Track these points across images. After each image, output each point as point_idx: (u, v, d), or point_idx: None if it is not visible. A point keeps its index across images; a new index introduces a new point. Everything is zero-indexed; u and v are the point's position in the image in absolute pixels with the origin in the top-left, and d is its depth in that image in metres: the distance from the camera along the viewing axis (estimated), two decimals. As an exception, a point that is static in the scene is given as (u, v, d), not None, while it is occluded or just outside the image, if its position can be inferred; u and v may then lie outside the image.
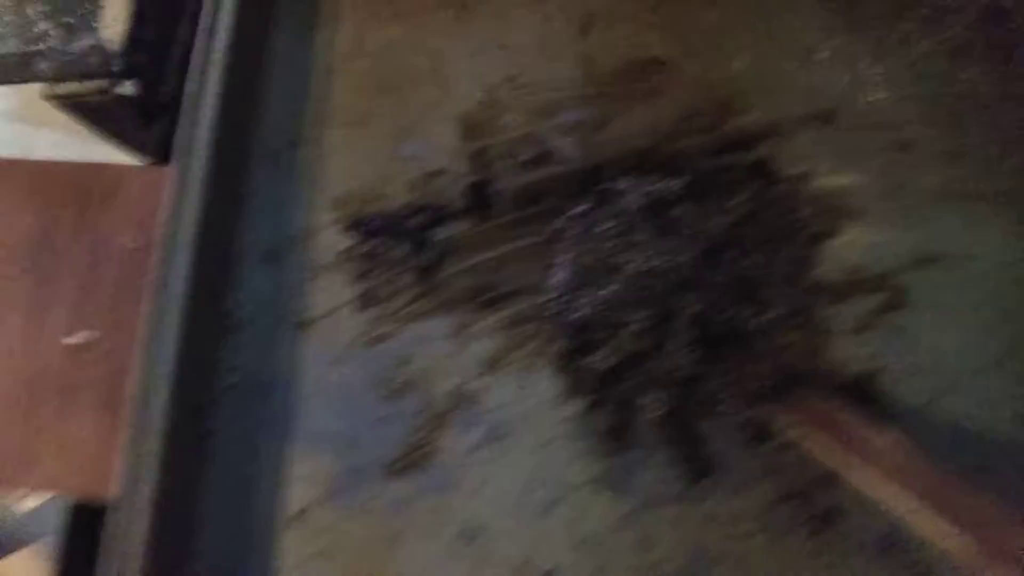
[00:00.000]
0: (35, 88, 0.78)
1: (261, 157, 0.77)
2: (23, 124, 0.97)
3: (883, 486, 0.60)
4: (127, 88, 0.79)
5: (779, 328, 0.68)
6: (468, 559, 0.63)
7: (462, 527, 0.64)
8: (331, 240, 0.74)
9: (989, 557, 0.53)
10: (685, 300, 0.67)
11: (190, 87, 0.74)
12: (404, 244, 0.73)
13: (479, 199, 0.75)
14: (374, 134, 0.79)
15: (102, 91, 0.79)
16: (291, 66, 0.81)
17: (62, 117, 0.80)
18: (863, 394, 0.66)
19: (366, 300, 0.71)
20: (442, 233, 0.74)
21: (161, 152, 0.79)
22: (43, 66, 0.78)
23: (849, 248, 0.71)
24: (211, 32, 0.76)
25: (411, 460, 0.66)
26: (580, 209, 0.74)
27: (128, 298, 0.72)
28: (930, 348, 0.67)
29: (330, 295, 0.72)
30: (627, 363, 0.68)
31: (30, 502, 0.81)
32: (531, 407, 0.68)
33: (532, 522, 0.64)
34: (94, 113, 0.81)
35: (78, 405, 0.70)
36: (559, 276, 0.71)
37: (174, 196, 0.69)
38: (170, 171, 0.71)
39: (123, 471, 0.61)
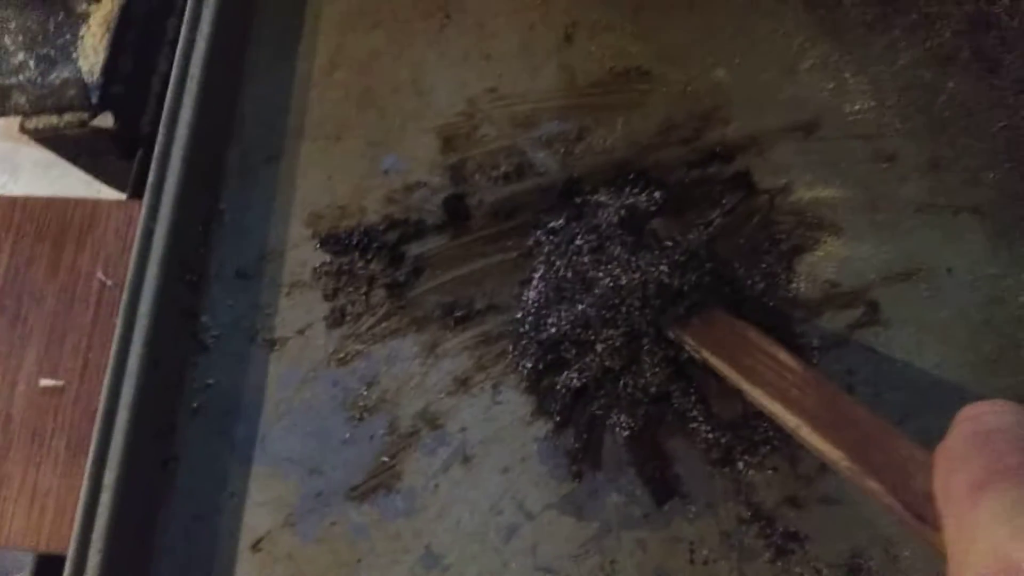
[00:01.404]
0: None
1: (237, 173, 0.77)
2: (6, 143, 0.98)
3: (772, 402, 0.59)
4: (105, 120, 0.79)
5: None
6: (429, 586, 0.63)
7: (424, 552, 0.64)
8: (306, 256, 0.74)
9: (867, 469, 0.52)
10: (657, 317, 0.66)
11: (166, 112, 0.74)
12: (378, 259, 0.73)
13: (456, 213, 0.75)
14: (352, 147, 0.78)
15: (80, 124, 0.79)
16: (269, 80, 0.81)
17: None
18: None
19: (337, 318, 0.71)
20: (417, 248, 0.74)
21: (141, 186, 0.79)
22: (19, 99, 0.78)
23: (825, 262, 0.70)
24: (187, 55, 0.75)
25: (375, 484, 0.66)
26: (557, 223, 0.73)
27: (103, 338, 0.73)
28: (905, 364, 0.66)
29: (302, 313, 0.72)
30: (597, 381, 0.67)
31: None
32: (499, 428, 0.67)
33: (494, 547, 0.64)
34: (72, 146, 0.81)
35: (47, 452, 0.70)
36: (533, 292, 0.71)
37: (145, 220, 0.69)
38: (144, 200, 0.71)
39: (82, 498, 0.62)
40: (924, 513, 0.48)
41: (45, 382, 0.72)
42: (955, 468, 0.43)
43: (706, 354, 0.63)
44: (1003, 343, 0.67)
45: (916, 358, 0.67)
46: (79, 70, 0.81)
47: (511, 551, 0.64)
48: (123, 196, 0.82)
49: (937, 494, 0.45)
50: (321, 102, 0.80)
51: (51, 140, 0.82)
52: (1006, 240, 0.70)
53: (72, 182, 0.88)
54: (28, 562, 0.71)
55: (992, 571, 0.35)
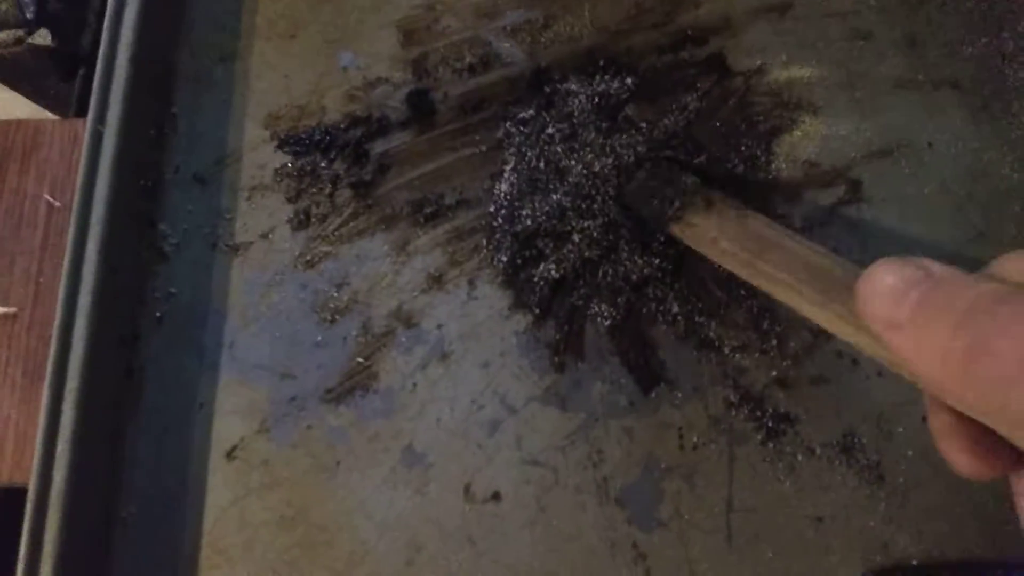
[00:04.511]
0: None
1: (189, 75, 0.74)
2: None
3: (723, 255, 0.58)
4: (43, 38, 0.76)
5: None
6: (412, 484, 0.61)
7: (404, 452, 0.62)
8: (265, 158, 0.71)
9: (821, 297, 0.50)
10: (635, 203, 0.64)
11: (109, 12, 0.70)
12: (341, 159, 0.70)
13: (421, 108, 0.72)
14: (308, 45, 0.75)
15: (16, 42, 0.75)
16: (217, -22, 0.78)
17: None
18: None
19: (301, 220, 0.68)
20: (382, 145, 0.71)
21: (84, 106, 0.76)
22: (-50, 18, 0.74)
23: (805, 142, 0.68)
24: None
25: (351, 385, 0.64)
26: (527, 113, 0.70)
27: (54, 262, 0.70)
28: (888, 240, 0.65)
29: (264, 216, 0.69)
30: (576, 272, 0.65)
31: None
32: (476, 323, 0.65)
33: (478, 442, 0.62)
34: (9, 67, 0.77)
35: (3, 381, 0.67)
36: (504, 185, 0.68)
37: (92, 122, 0.66)
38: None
39: (43, 411, 0.59)
40: None
41: (-1, 309, 0.69)
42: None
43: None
44: (987, 216, 0.66)
45: (901, 234, 0.65)
46: (11, -15, 0.77)
47: (495, 445, 0.62)
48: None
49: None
50: (274, 0, 0.77)
51: (-12, 60, 0.78)
52: (986, 113, 0.69)
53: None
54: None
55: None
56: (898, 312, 0.37)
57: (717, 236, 0.59)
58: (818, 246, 0.54)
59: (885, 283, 0.39)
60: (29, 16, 0.76)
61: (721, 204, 0.60)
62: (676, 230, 0.61)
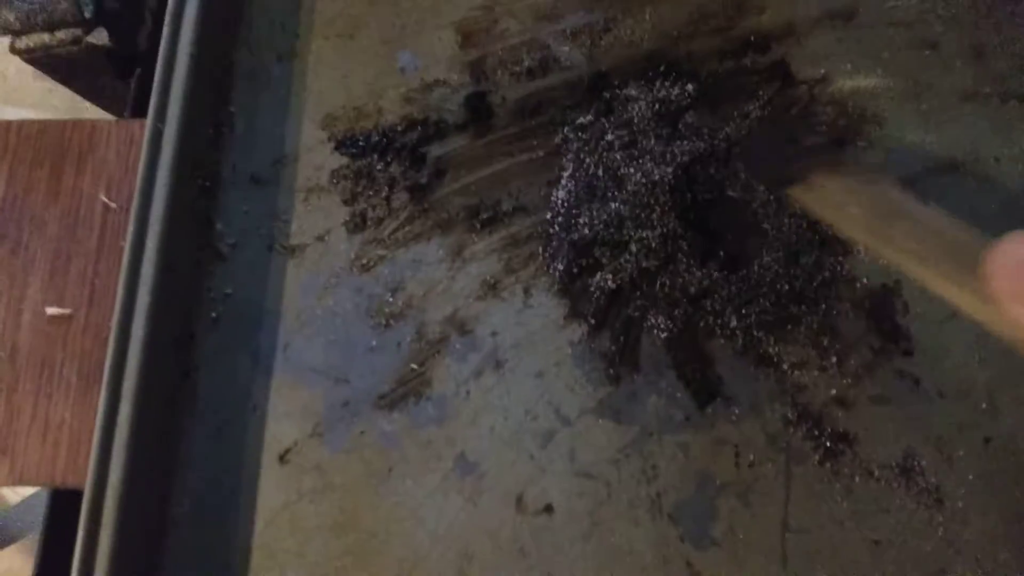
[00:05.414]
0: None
1: (247, 75, 0.74)
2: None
3: (849, 221, 0.57)
4: (100, 37, 0.75)
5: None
6: (464, 493, 0.61)
7: (457, 460, 0.62)
8: (322, 159, 0.71)
9: (952, 269, 0.49)
10: (694, 213, 0.64)
11: (170, 9, 0.70)
12: (398, 162, 0.70)
13: (478, 111, 0.71)
14: (367, 45, 0.75)
15: (73, 41, 0.75)
16: (277, -24, 0.77)
17: (28, 89, 0.77)
18: (885, 308, 0.63)
19: (358, 222, 0.68)
20: (439, 149, 0.70)
21: (140, 106, 0.75)
22: (8, 16, 0.74)
23: (870, 153, 0.67)
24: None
25: (404, 392, 0.63)
26: (585, 119, 0.70)
27: (110, 263, 0.70)
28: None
29: (320, 218, 0.69)
30: (633, 282, 0.64)
31: (21, 493, 0.79)
32: (531, 332, 0.65)
33: (530, 453, 0.61)
34: (66, 66, 0.77)
35: (59, 383, 0.67)
36: (562, 192, 0.67)
37: (153, 121, 0.66)
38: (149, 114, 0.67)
39: (100, 409, 0.59)
40: None
41: (51, 310, 0.69)
42: None
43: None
44: (1054, 234, 0.64)
45: (964, 251, 0.64)
46: (70, -16, 0.77)
47: (548, 457, 0.61)
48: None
49: None
50: (332, -1, 0.76)
51: (43, 60, 0.78)
52: (1054, 129, 0.67)
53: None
54: (40, 522, 0.69)
55: None
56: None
57: (845, 200, 0.57)
58: (954, 217, 0.53)
59: (1013, 256, 0.38)
60: (87, 15, 0.76)
61: (851, 165, 0.58)
62: (796, 192, 0.60)
